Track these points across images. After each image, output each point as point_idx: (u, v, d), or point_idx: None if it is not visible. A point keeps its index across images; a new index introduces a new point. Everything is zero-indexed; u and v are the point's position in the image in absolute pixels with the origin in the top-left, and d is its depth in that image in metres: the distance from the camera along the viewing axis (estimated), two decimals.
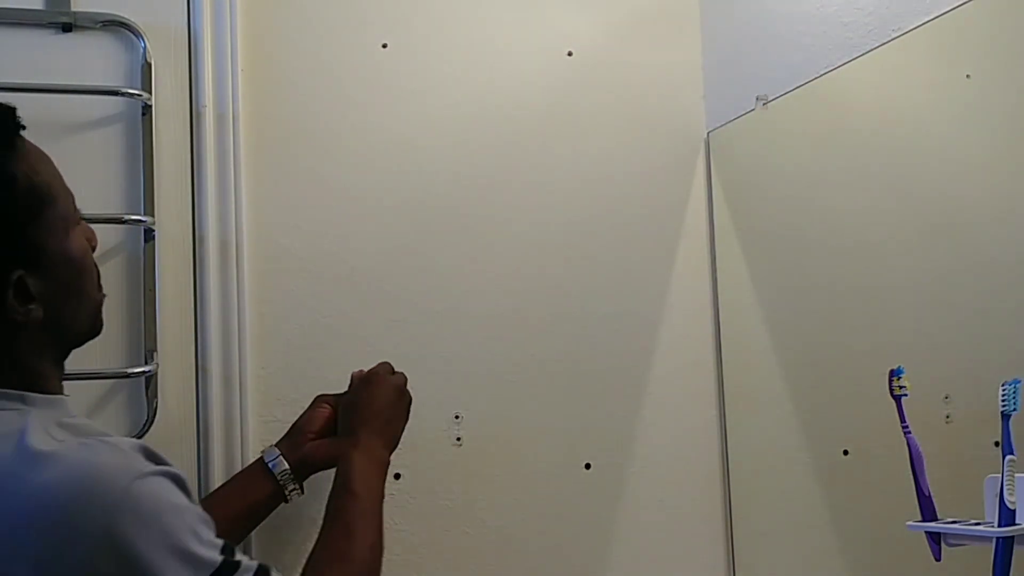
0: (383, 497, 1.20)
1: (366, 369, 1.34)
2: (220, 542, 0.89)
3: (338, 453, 1.24)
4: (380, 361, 1.36)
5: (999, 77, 1.18)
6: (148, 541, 0.82)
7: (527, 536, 1.52)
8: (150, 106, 1.39)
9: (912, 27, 1.23)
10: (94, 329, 1.03)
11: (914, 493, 1.11)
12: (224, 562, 0.87)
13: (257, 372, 1.43)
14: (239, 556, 0.89)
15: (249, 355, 1.42)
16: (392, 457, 1.28)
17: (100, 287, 1.03)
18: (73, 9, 1.38)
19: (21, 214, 0.92)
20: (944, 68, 1.26)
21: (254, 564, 0.90)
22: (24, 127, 0.95)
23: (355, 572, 1.10)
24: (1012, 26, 1.15)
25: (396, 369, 1.35)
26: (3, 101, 0.95)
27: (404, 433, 1.33)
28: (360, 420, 1.27)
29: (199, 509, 0.89)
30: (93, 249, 1.02)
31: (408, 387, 1.34)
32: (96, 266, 1.02)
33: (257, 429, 1.41)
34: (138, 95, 1.38)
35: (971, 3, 1.15)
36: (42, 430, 0.88)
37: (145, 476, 0.85)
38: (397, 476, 1.46)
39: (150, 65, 1.40)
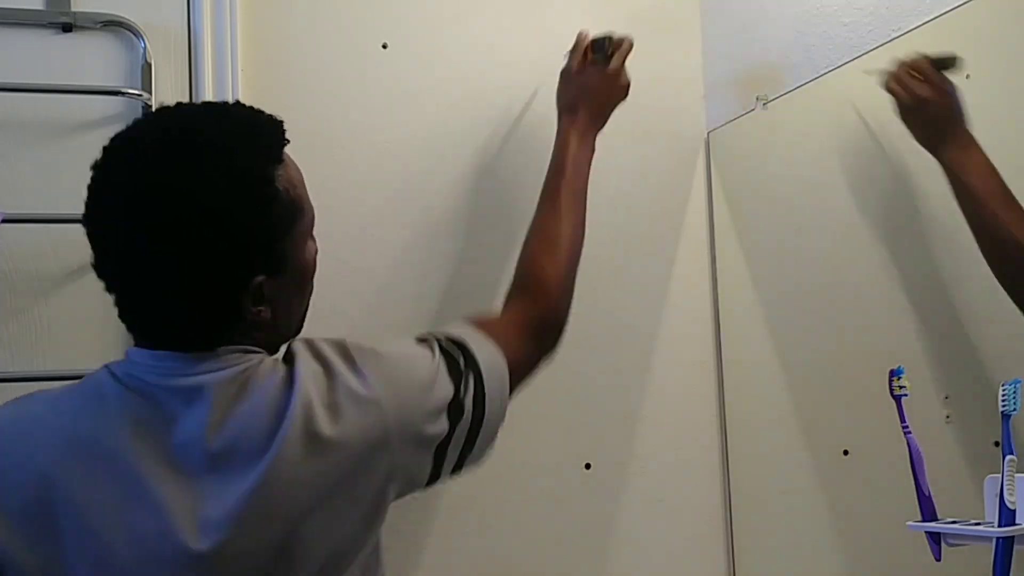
0: (588, 178, 1.38)
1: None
2: None
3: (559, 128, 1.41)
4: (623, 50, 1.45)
5: (999, 77, 1.18)
6: None
7: (527, 536, 1.52)
8: (150, 106, 1.39)
9: (912, 27, 1.23)
10: (297, 332, 1.05)
11: (914, 493, 1.11)
12: None
13: None
14: None
15: None
16: None
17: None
18: (73, 9, 1.39)
19: (279, 226, 0.96)
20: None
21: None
22: (288, 141, 0.97)
23: (560, 250, 1.30)
24: (1012, 26, 1.15)
25: None
26: (270, 114, 0.98)
27: None
28: (585, 104, 1.41)
29: None
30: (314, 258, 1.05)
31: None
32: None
33: None
34: (138, 95, 1.39)
35: (971, 3, 1.15)
36: None
37: None
38: None
39: (150, 65, 1.40)
